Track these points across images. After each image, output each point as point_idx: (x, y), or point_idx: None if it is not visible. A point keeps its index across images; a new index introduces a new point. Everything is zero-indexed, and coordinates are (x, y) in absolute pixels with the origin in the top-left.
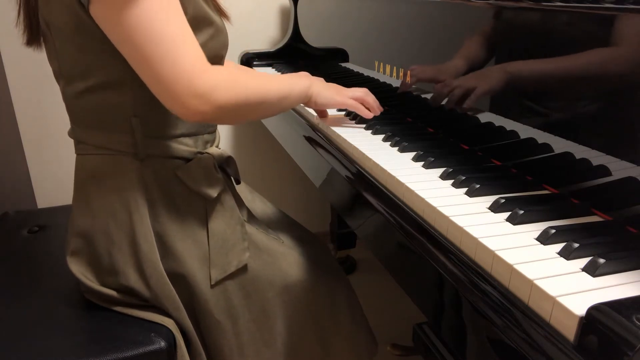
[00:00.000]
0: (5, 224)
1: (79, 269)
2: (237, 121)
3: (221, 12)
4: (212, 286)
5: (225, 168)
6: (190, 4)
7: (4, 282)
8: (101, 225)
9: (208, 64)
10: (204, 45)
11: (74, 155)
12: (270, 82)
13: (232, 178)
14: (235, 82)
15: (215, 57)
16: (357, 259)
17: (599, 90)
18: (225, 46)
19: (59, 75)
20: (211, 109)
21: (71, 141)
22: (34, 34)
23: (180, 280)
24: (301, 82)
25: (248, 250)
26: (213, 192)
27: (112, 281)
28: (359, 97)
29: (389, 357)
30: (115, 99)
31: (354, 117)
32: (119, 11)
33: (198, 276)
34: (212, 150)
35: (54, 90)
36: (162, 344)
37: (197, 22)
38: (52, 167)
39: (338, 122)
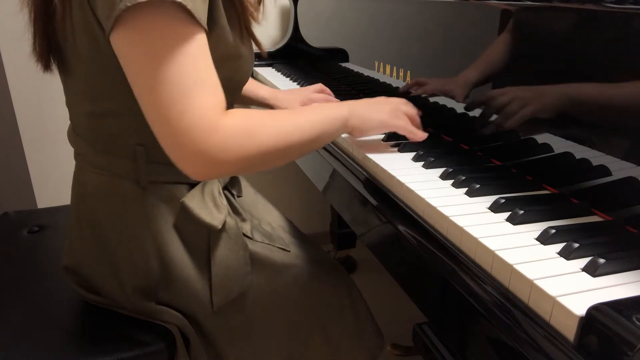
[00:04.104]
0: (5, 224)
1: (73, 283)
2: (258, 170)
3: (255, 41)
4: (215, 312)
5: (230, 189)
6: (222, 42)
7: (4, 281)
8: (96, 250)
9: (222, 115)
10: (228, 78)
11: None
12: (298, 121)
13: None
14: (252, 132)
15: (238, 85)
16: (357, 259)
17: (598, 89)
18: (248, 74)
19: (66, 89)
20: (219, 169)
21: None
22: (49, 59)
23: (185, 304)
24: (338, 113)
25: (250, 274)
26: (217, 223)
27: (105, 302)
28: (409, 112)
29: (389, 357)
30: (119, 128)
31: None
32: (137, 45)
33: (202, 301)
34: None
35: (54, 90)
36: (162, 344)
37: (225, 59)
38: (52, 167)
39: None
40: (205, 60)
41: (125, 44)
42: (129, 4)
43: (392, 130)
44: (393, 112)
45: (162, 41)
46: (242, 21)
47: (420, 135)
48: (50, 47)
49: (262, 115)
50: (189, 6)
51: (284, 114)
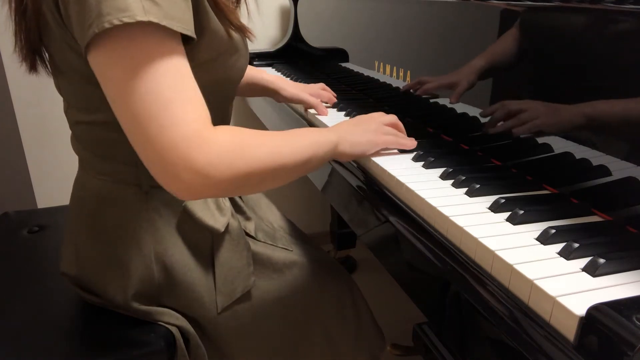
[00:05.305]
0: (5, 224)
1: (72, 285)
2: (247, 192)
3: (244, 30)
4: (219, 313)
5: None
6: (215, 43)
7: (4, 281)
8: (97, 256)
9: (210, 129)
10: (224, 76)
11: (74, 156)
12: (289, 142)
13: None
14: (243, 150)
15: (235, 82)
16: (357, 259)
17: (598, 89)
18: (244, 70)
19: (60, 93)
20: (209, 186)
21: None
22: (34, 60)
23: (188, 307)
24: (326, 138)
25: (253, 275)
26: (220, 226)
27: (105, 303)
28: (392, 131)
29: (389, 357)
30: (118, 135)
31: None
32: (114, 65)
33: (206, 303)
34: None
35: (54, 91)
36: (162, 344)
37: (221, 57)
38: (52, 167)
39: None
40: (183, 74)
41: (100, 65)
42: (97, 30)
43: (382, 147)
44: (379, 129)
45: (135, 58)
46: (227, 19)
47: (410, 143)
48: (32, 47)
49: (253, 133)
50: (163, 23)
51: (275, 133)
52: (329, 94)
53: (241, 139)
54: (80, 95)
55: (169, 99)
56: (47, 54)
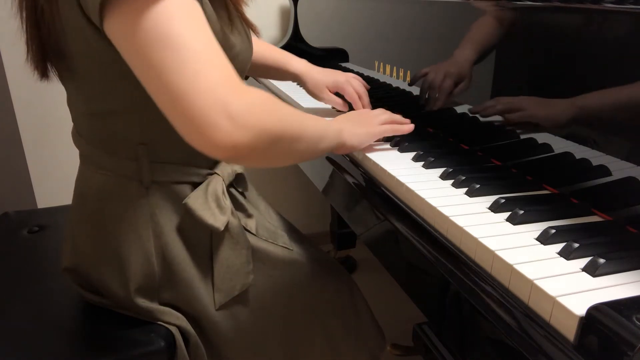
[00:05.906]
0: (5, 224)
1: (74, 283)
2: (271, 161)
3: (248, 25)
4: (217, 309)
5: (236, 187)
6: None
7: (4, 281)
8: (99, 250)
9: (240, 83)
10: None
11: (74, 155)
12: (306, 116)
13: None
14: (274, 108)
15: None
16: (357, 259)
17: (598, 89)
18: (245, 64)
19: (64, 85)
20: (248, 135)
21: (71, 140)
22: (46, 67)
23: (186, 303)
24: (333, 125)
25: (252, 273)
26: (220, 224)
27: (106, 302)
28: (388, 119)
29: (389, 357)
30: (120, 127)
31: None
32: (135, 20)
33: (204, 300)
34: (223, 168)
35: (54, 90)
36: (162, 344)
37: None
38: (52, 167)
39: None
40: (209, 33)
41: (120, 25)
42: None
43: (380, 136)
44: (373, 121)
45: (154, 16)
46: (229, 7)
47: (407, 128)
48: (45, 53)
49: (277, 99)
50: None
51: (294, 108)
52: (351, 95)
53: (271, 99)
54: (86, 85)
55: (201, 46)
56: (54, 57)
